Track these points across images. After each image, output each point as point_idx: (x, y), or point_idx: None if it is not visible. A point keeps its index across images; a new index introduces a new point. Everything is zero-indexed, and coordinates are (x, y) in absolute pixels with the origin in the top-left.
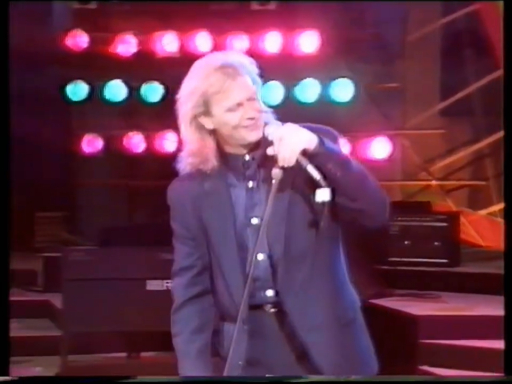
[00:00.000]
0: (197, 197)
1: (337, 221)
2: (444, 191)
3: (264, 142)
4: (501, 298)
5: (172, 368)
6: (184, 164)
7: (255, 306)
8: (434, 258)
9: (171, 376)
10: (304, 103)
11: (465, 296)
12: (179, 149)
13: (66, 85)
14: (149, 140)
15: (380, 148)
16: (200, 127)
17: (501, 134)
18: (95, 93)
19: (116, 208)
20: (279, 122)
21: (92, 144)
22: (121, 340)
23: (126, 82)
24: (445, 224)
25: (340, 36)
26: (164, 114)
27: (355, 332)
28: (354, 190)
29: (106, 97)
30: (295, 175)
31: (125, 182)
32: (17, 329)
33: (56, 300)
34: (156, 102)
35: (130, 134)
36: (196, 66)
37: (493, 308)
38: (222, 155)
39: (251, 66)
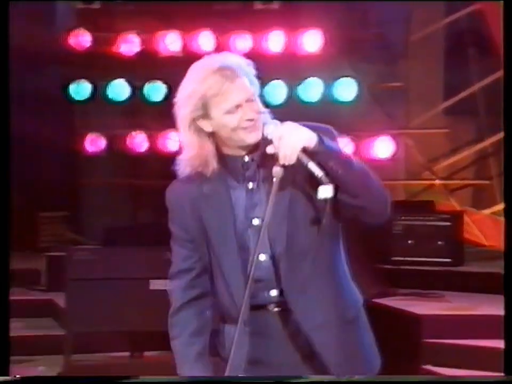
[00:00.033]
0: (196, 198)
1: (338, 218)
2: (448, 191)
3: (263, 143)
4: (503, 298)
5: (174, 368)
6: (183, 167)
7: (258, 307)
8: (438, 258)
9: (174, 376)
10: (308, 102)
11: (469, 295)
12: (182, 149)
13: (69, 84)
14: (152, 139)
15: (383, 147)
16: (199, 130)
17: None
18: (98, 92)
19: (119, 207)
20: (278, 122)
21: (95, 143)
22: (125, 339)
23: (129, 82)
24: (448, 223)
25: (343, 35)
26: (167, 114)
27: (358, 329)
28: (356, 187)
29: (109, 97)
30: (295, 173)
31: (128, 182)
32: (20, 328)
33: (60, 299)
34: (159, 102)
35: (133, 133)
36: (193, 69)
37: (496, 307)
38: (221, 157)
39: (248, 67)
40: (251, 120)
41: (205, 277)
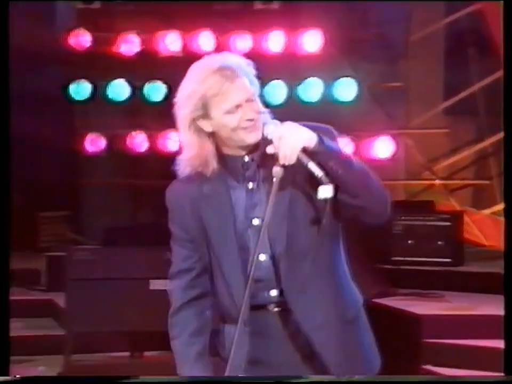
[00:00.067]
0: (196, 198)
1: (338, 218)
2: (448, 191)
3: (263, 143)
4: (503, 298)
5: (174, 368)
6: (183, 167)
7: (258, 307)
8: (438, 258)
9: (174, 376)
10: (308, 102)
11: (469, 295)
12: (182, 149)
13: (69, 84)
14: (152, 139)
15: (383, 147)
16: (199, 130)
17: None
18: (98, 92)
19: (119, 207)
20: (278, 122)
21: (95, 143)
22: (125, 339)
23: (129, 82)
24: (448, 223)
25: (343, 35)
26: (167, 114)
27: (358, 329)
28: (356, 187)
29: (109, 97)
30: (295, 173)
31: (128, 182)
32: (21, 328)
33: (60, 299)
34: (159, 102)
35: (134, 133)
36: (193, 69)
37: (496, 307)
38: (221, 157)
39: (248, 67)
40: (251, 120)
41: (205, 277)
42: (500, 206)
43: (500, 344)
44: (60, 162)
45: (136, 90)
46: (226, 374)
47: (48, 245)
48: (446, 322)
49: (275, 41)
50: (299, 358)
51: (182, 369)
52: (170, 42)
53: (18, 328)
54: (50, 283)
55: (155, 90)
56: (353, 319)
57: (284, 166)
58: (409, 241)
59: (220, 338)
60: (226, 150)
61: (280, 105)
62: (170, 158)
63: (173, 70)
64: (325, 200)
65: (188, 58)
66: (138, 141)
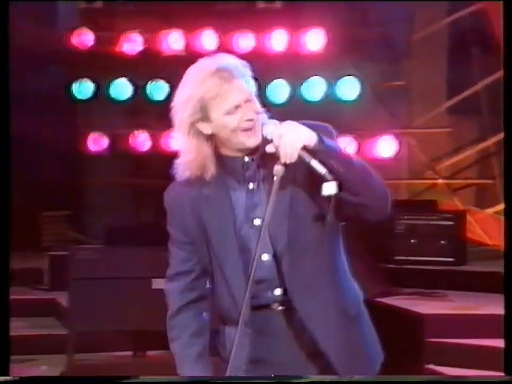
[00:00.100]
0: (196, 198)
1: (339, 216)
2: (451, 190)
3: (263, 143)
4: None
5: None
6: (182, 171)
7: (261, 306)
8: (441, 257)
9: (176, 376)
10: (310, 101)
11: (472, 294)
12: (180, 153)
13: (72, 83)
14: (154, 138)
15: (386, 147)
16: (198, 133)
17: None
18: (101, 92)
19: (122, 207)
20: (276, 121)
21: (97, 142)
22: (127, 338)
23: (132, 81)
24: (451, 222)
25: (346, 34)
26: (170, 113)
27: (360, 326)
28: (357, 185)
29: (111, 96)
30: (295, 171)
31: (130, 181)
32: (23, 327)
33: (62, 299)
34: (162, 101)
35: (136, 132)
36: (190, 73)
37: (499, 306)
38: (220, 158)
39: (244, 69)
40: (251, 120)
41: (203, 279)
42: (503, 206)
43: (502, 343)
44: (62, 161)
45: (139, 89)
46: (227, 373)
47: (50, 244)
48: (448, 321)
49: (278, 41)
50: (303, 357)
51: (182, 370)
52: (173, 41)
53: (21, 327)
54: (53, 282)
55: (157, 90)
56: (355, 316)
57: (284, 165)
58: (412, 241)
59: (220, 339)
60: (225, 151)
61: (283, 104)
62: (173, 157)
63: (176, 69)
64: (328, 197)
65: (191, 57)
66: (141, 140)
